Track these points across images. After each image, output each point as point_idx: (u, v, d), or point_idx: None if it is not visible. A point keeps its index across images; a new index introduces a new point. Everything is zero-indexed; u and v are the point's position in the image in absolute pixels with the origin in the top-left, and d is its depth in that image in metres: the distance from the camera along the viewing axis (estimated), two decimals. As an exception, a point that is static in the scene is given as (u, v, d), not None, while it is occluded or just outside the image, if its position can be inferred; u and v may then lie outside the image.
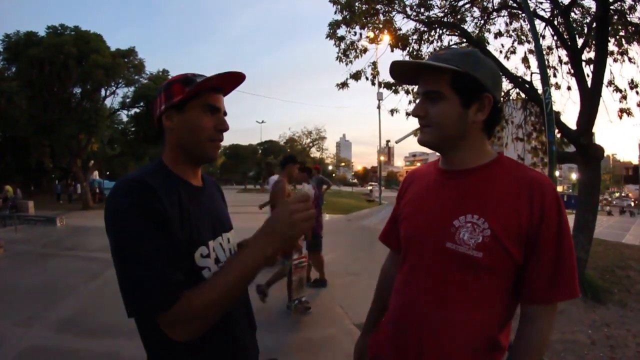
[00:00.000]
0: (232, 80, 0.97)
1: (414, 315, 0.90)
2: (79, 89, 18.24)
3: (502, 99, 6.67)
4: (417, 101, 0.90)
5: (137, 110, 19.86)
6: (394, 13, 6.04)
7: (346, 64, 6.41)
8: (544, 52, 5.34)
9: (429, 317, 0.87)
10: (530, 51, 6.43)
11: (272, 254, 0.81)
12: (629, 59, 5.80)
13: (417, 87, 0.93)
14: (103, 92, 19.20)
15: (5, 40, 16.58)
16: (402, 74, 0.95)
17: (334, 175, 56.92)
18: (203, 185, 1.03)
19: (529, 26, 6.13)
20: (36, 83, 16.04)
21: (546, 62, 5.23)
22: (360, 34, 6.26)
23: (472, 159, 0.89)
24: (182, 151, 0.95)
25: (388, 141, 29.51)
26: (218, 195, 1.13)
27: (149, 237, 0.77)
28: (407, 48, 6.16)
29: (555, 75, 6.28)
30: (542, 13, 5.71)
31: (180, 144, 0.94)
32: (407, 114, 6.72)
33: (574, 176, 48.50)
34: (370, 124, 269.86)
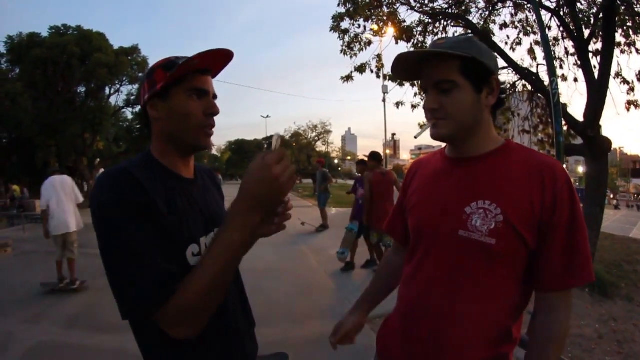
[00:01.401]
0: (218, 59, 0.88)
1: (427, 307, 0.88)
2: (83, 88, 18.34)
3: (508, 90, 6.62)
4: (427, 94, 0.87)
5: (142, 107, 19.91)
6: (397, 5, 6.00)
7: (351, 57, 6.39)
8: (550, 44, 5.26)
9: (443, 308, 0.85)
10: (536, 42, 6.35)
11: (259, 222, 0.71)
12: (637, 50, 5.70)
13: (421, 82, 0.89)
14: (107, 91, 19.29)
15: (8, 42, 16.67)
16: (406, 69, 0.91)
17: (340, 169, 56.85)
18: (195, 177, 0.96)
19: (534, 17, 6.05)
20: (40, 84, 16.13)
21: (552, 54, 5.15)
22: (365, 27, 6.24)
23: (482, 145, 0.88)
24: (171, 141, 0.88)
25: (394, 134, 29.46)
26: (213, 188, 1.06)
27: (137, 231, 0.72)
28: (412, 40, 6.11)
29: (561, 67, 6.21)
30: (547, 4, 5.64)
31: (167, 133, 0.87)
32: (413, 107, 6.68)
33: (580, 169, 48.05)
34: (375, 117, 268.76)
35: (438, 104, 0.85)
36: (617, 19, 4.91)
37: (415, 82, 6.32)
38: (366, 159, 5.21)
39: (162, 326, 0.72)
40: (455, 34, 6.21)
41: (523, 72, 5.54)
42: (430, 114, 0.87)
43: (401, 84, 6.54)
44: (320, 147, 33.20)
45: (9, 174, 20.11)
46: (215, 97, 0.90)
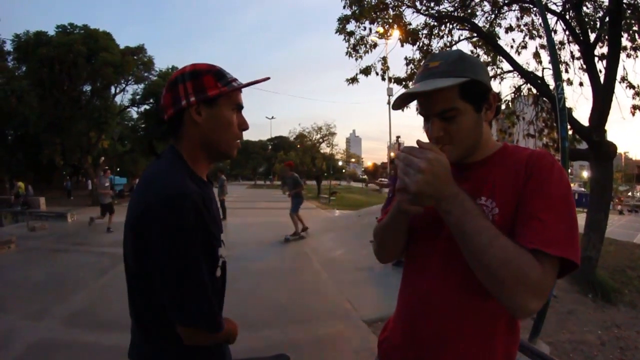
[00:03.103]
0: (257, 82, 0.99)
1: (432, 305, 0.88)
2: (89, 87, 18.49)
3: (513, 94, 6.60)
4: (431, 123, 0.87)
5: (147, 107, 20.08)
6: (403, 7, 5.99)
7: (356, 59, 6.38)
8: (556, 47, 5.22)
9: (451, 305, 0.86)
10: (542, 46, 6.32)
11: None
12: (643, 55, 5.66)
13: (420, 109, 0.90)
14: (113, 90, 19.46)
15: (15, 40, 16.84)
16: (403, 99, 0.93)
17: (344, 170, 56.84)
18: (207, 179, 1.03)
19: (540, 20, 6.03)
20: (46, 82, 16.27)
21: (558, 58, 5.12)
22: (370, 29, 6.22)
23: (481, 152, 0.91)
24: (205, 148, 0.93)
25: (398, 137, 29.32)
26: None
27: (205, 261, 0.84)
28: (417, 43, 6.11)
29: (567, 71, 6.17)
30: (553, 7, 5.60)
31: (204, 140, 0.92)
32: (418, 110, 6.66)
33: (585, 174, 47.68)
34: (380, 119, 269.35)
35: (442, 131, 0.86)
36: (623, 23, 4.88)
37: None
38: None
39: (186, 334, 0.85)
40: (461, 37, 6.21)
41: (528, 76, 5.51)
42: (435, 140, 0.88)
43: (406, 87, 6.53)
44: (324, 149, 33.17)
45: (15, 170, 20.26)
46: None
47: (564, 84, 5.30)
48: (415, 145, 0.77)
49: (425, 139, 0.88)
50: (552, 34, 5.24)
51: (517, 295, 0.70)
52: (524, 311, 0.72)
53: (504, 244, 0.72)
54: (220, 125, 0.91)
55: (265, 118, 73.78)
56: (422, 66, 0.90)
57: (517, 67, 5.45)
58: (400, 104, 0.94)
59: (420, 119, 0.97)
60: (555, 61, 2.81)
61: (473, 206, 0.76)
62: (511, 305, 0.72)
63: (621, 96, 5.49)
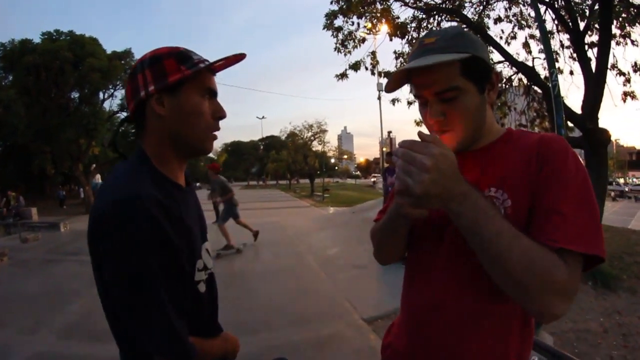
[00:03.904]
0: (235, 58, 0.85)
1: (440, 311, 0.81)
2: (76, 94, 18.31)
3: (504, 85, 6.60)
4: (429, 106, 0.78)
5: (137, 112, 19.83)
6: (391, 1, 5.96)
7: (345, 55, 6.36)
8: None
9: (460, 310, 0.79)
10: (531, 36, 6.35)
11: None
12: (632, 42, 5.71)
13: (416, 90, 0.80)
14: (101, 95, 19.26)
15: (0, 49, 16.57)
16: (397, 80, 0.83)
17: (336, 168, 56.93)
18: (186, 183, 0.89)
19: (529, 10, 6.03)
20: (33, 90, 16.08)
21: (550, 45, 5.13)
22: (358, 24, 6.20)
23: (485, 138, 0.84)
24: (172, 143, 0.79)
25: (390, 132, 29.33)
26: (195, 191, 0.99)
27: (165, 278, 0.68)
28: (406, 36, 6.08)
29: (557, 60, 6.19)
30: (542, -4, 5.61)
31: (171, 134, 0.78)
32: (409, 103, 6.64)
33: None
34: (371, 115, 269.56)
35: (443, 114, 0.77)
36: (613, 8, 4.89)
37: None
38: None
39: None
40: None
41: (520, 66, 5.52)
42: (435, 126, 0.79)
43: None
44: (316, 146, 33.22)
45: (5, 181, 20.00)
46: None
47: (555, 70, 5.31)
48: (415, 138, 0.68)
49: (425, 130, 0.80)
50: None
51: (543, 300, 0.64)
52: (550, 315, 0.65)
53: (527, 246, 0.65)
54: (187, 116, 0.77)
55: (256, 118, 73.59)
56: (416, 43, 0.81)
57: (508, 57, 5.45)
58: (393, 85, 0.84)
59: (413, 112, 0.88)
60: (549, 49, 2.79)
61: (487, 204, 0.68)
62: (536, 310, 0.66)
63: (612, 83, 5.53)
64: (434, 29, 6.24)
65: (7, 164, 20.23)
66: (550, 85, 2.56)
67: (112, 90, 19.38)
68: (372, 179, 51.65)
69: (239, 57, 0.84)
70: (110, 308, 0.74)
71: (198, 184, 46.59)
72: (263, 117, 58.76)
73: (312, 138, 32.71)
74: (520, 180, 0.74)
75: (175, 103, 0.76)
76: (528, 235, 0.67)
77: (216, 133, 0.84)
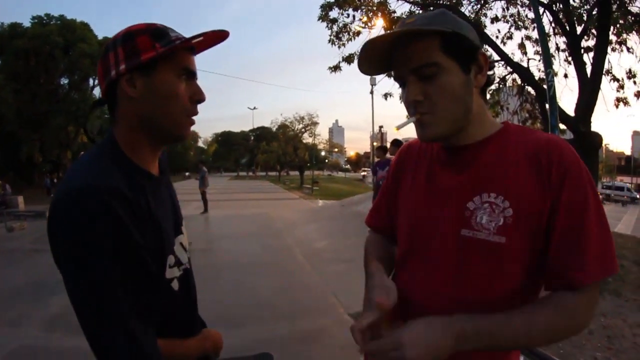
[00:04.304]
0: (215, 35, 0.77)
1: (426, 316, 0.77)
2: (66, 80, 18.01)
3: (497, 84, 6.63)
4: (408, 85, 0.72)
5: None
6: (388, -5, 5.91)
7: (339, 47, 6.32)
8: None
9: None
10: (527, 37, 6.37)
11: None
12: (628, 49, 5.76)
13: (395, 71, 0.75)
14: (91, 82, 18.91)
15: (-11, 32, 16.18)
16: (376, 59, 0.76)
17: (327, 161, 56.88)
18: (160, 172, 0.81)
19: (526, 12, 6.04)
20: (22, 75, 15.78)
21: (548, 45, 5.16)
22: (354, 17, 6.15)
23: (479, 131, 0.76)
24: (145, 128, 0.72)
25: (381, 127, 29.36)
26: (170, 179, 0.91)
27: (120, 276, 0.62)
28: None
29: (552, 63, 6.24)
30: (540, -2, 5.62)
31: (143, 117, 0.71)
32: (393, 75, 6.64)
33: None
34: (363, 109, 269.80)
35: (422, 94, 0.70)
36: (611, 14, 4.92)
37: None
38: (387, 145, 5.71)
39: None
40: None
41: (516, 66, 5.54)
42: (413, 108, 0.72)
43: (389, 75, 6.49)
44: (307, 138, 33.09)
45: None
46: (196, 78, 0.77)
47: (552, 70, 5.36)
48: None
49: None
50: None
51: (568, 337, 0.69)
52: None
53: (545, 322, 0.66)
54: (161, 98, 0.70)
55: (247, 109, 72.87)
56: (398, 23, 0.76)
57: (503, 57, 5.46)
58: (367, 64, 0.77)
59: (403, 109, 0.82)
60: (546, 49, 2.78)
61: (482, 323, 0.66)
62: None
63: (605, 89, 5.58)
64: None
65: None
66: (546, 86, 2.55)
67: (103, 78, 19.08)
68: (362, 173, 51.78)
69: (220, 35, 0.76)
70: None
71: (187, 174, 46.13)
72: (254, 108, 58.30)
73: (303, 130, 32.56)
74: (527, 190, 0.69)
75: (148, 84, 0.69)
76: (537, 251, 0.69)
77: (195, 118, 0.76)
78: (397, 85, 0.79)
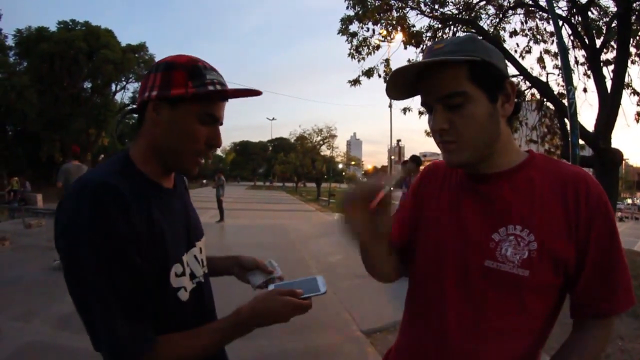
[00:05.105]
0: (245, 92, 0.82)
1: (444, 347, 0.76)
2: (89, 84, 18.56)
3: (516, 99, 6.53)
4: (434, 112, 0.72)
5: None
6: (407, 9, 5.94)
7: (358, 61, 6.35)
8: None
9: (463, 348, 0.74)
10: (546, 51, 6.29)
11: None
12: (648, 62, 5.63)
13: (422, 98, 0.75)
14: (113, 87, 19.54)
15: (17, 35, 16.93)
16: (400, 87, 0.77)
17: (343, 173, 56.93)
18: (175, 185, 0.86)
19: (544, 25, 5.98)
20: (46, 78, 16.33)
21: (568, 61, 5.08)
22: (373, 30, 6.18)
23: (504, 160, 0.76)
24: (158, 154, 0.77)
25: (399, 140, 29.20)
26: (187, 194, 0.95)
27: (115, 271, 0.64)
28: (421, 45, 6.05)
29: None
30: (559, 12, 5.56)
31: (159, 144, 0.76)
32: (420, 113, 6.60)
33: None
34: (381, 122, 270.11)
35: (448, 122, 0.70)
36: (631, 26, 4.83)
37: None
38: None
39: None
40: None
41: (534, 81, 5.46)
42: (439, 135, 0.73)
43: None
44: (324, 151, 33.25)
45: (14, 166, 20.23)
46: (221, 124, 0.81)
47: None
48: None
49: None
50: (557, 38, 5.19)
51: None
52: None
53: (595, 353, 0.74)
54: (177, 133, 0.74)
55: (266, 119, 73.87)
56: (426, 49, 0.77)
57: (522, 71, 5.40)
58: (395, 90, 0.78)
59: (423, 122, 0.83)
60: (567, 65, 2.73)
61: None
62: None
63: (625, 102, 5.44)
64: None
65: (16, 150, 20.48)
66: (567, 103, 2.49)
67: (124, 83, 19.67)
68: None
69: (253, 93, 0.82)
70: None
71: (205, 181, 46.84)
72: (273, 119, 59.09)
73: (321, 142, 32.78)
74: (552, 224, 0.70)
75: (171, 116, 0.74)
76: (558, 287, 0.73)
77: (222, 137, 0.82)
78: (415, 100, 0.80)
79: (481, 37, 5.58)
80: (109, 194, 0.65)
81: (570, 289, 0.73)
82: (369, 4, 5.80)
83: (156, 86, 0.73)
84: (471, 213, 0.77)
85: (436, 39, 6.21)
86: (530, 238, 0.69)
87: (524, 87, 6.28)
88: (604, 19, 5.55)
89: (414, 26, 6.11)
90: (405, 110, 6.71)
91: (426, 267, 0.83)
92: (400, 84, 0.76)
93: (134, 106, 0.80)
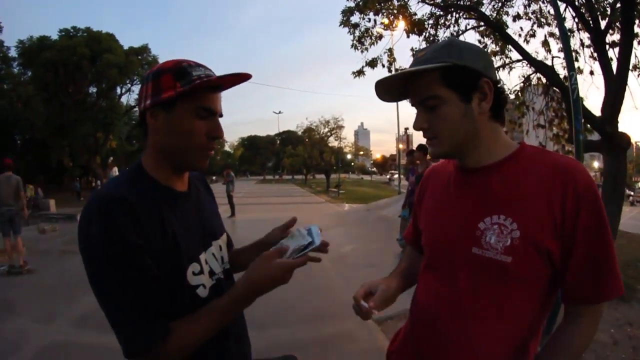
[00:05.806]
0: (234, 78, 0.83)
1: (437, 329, 0.83)
2: (94, 89, 18.74)
3: (522, 84, 6.46)
4: (416, 114, 0.83)
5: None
6: (408, -3, 5.86)
7: (361, 52, 6.28)
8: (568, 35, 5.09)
9: (454, 330, 0.80)
10: (551, 34, 6.18)
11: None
12: (655, 42, 5.49)
13: (409, 100, 0.85)
14: (118, 90, 19.65)
15: (19, 45, 17.07)
16: (390, 92, 0.87)
17: (352, 164, 56.79)
18: (189, 187, 0.90)
19: (548, 8, 5.88)
20: (51, 86, 16.51)
21: (570, 46, 4.99)
22: (375, 20, 6.12)
23: (490, 154, 0.82)
24: (167, 157, 0.82)
25: (406, 129, 29.07)
26: (206, 195, 1.00)
27: (125, 275, 0.70)
28: (424, 33, 5.99)
29: (577, 59, 6.01)
30: (562, -7, 5.45)
31: (163, 148, 0.81)
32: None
33: (596, 164, 46.81)
34: (388, 111, 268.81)
35: (426, 122, 0.81)
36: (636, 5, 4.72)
37: None
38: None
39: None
40: (467, 27, 6.09)
41: (539, 65, 5.38)
42: (422, 132, 0.84)
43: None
44: (332, 142, 33.23)
45: (25, 174, 20.56)
46: (220, 115, 0.85)
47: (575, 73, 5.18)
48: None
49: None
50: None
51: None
52: None
53: (585, 340, 0.79)
54: (178, 133, 0.78)
55: (273, 113, 73.72)
56: (414, 56, 0.85)
57: (526, 56, 5.33)
58: (386, 95, 0.88)
59: None
60: (568, 50, 2.70)
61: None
62: None
63: (632, 84, 5.34)
64: (452, 26, 6.15)
65: (26, 157, 20.81)
66: (569, 88, 2.47)
67: (129, 85, 19.79)
68: (388, 176, 51.39)
69: (242, 77, 0.83)
70: None
71: (214, 177, 47.07)
72: (280, 112, 59.13)
73: (328, 134, 32.74)
74: (537, 214, 0.73)
75: (168, 119, 0.78)
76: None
77: (220, 121, 0.84)
78: None
79: (482, 23, 5.47)
80: (115, 205, 0.70)
81: (560, 278, 0.77)
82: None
83: (149, 95, 0.78)
84: (461, 203, 0.84)
85: (438, 26, 6.15)
86: (513, 227, 0.74)
87: (529, 72, 6.21)
88: (608, 0, 5.45)
89: (415, 14, 6.03)
90: (411, 99, 6.65)
91: (426, 257, 0.92)
92: (389, 90, 0.86)
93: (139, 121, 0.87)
